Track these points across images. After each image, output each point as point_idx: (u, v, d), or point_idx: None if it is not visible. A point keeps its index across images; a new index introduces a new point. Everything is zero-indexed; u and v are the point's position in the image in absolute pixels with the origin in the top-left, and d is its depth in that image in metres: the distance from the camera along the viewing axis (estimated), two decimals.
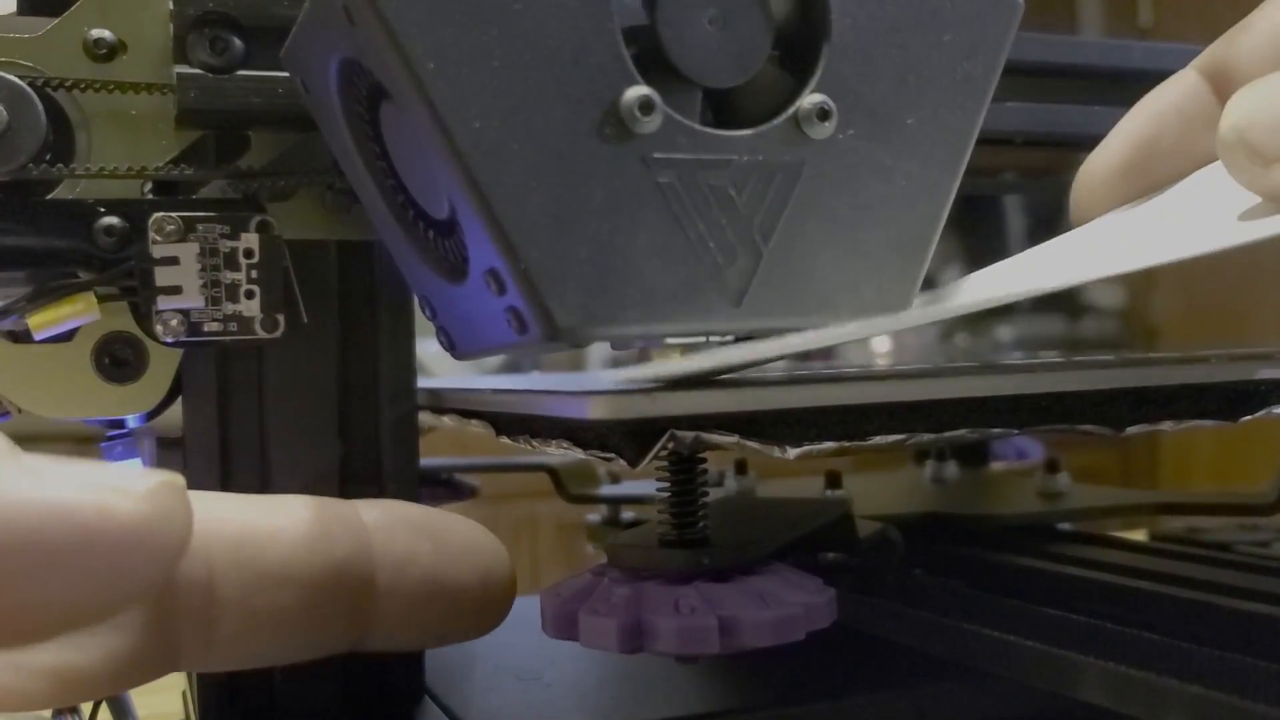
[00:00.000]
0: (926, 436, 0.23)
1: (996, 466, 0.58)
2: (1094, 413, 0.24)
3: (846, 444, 0.22)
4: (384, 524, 0.24)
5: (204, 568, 0.22)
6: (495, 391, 0.28)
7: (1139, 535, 0.46)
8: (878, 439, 0.23)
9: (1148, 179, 0.27)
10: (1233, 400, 0.25)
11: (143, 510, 0.16)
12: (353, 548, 0.23)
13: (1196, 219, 0.24)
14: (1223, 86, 0.27)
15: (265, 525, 0.23)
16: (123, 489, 0.16)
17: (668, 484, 0.26)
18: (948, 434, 0.23)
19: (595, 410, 0.21)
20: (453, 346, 0.26)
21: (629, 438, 0.21)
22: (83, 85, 0.26)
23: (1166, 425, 0.24)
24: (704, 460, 0.26)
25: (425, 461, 0.31)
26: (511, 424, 0.26)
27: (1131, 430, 0.24)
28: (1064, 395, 0.24)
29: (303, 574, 0.23)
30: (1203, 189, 0.25)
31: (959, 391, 0.23)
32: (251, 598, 0.22)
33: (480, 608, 0.25)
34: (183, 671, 0.23)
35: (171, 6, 0.26)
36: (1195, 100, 0.27)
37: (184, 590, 0.21)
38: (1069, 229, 0.28)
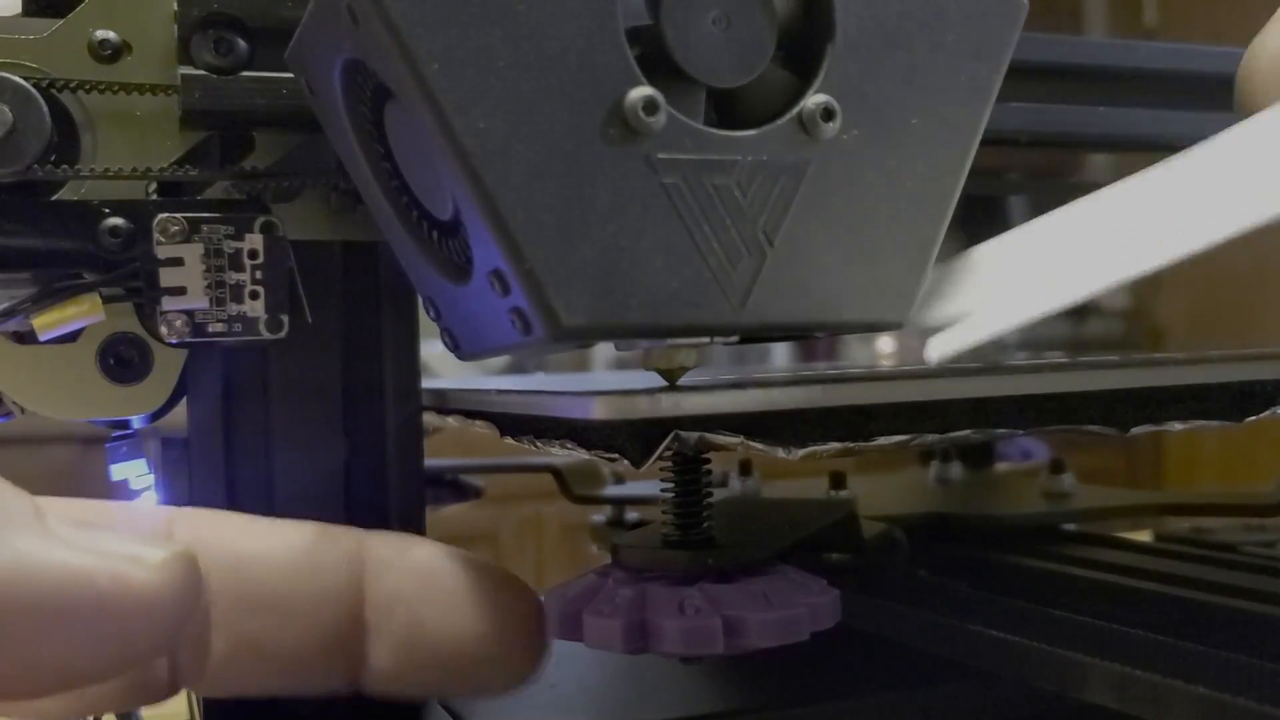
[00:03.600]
0: (932, 437, 0.23)
1: (1001, 467, 0.58)
2: (1099, 413, 0.24)
3: (851, 445, 0.22)
4: (383, 560, 0.23)
5: (203, 590, 0.21)
6: (500, 392, 0.28)
7: (1144, 536, 0.46)
8: (883, 440, 0.23)
9: None
10: (1238, 400, 0.25)
11: (155, 580, 0.17)
12: (344, 581, 0.23)
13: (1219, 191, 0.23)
14: None
15: (258, 549, 0.22)
16: (137, 558, 0.17)
17: (672, 484, 0.26)
18: (953, 434, 0.23)
19: (600, 410, 0.21)
20: (457, 347, 0.26)
21: (634, 438, 0.21)
22: (87, 86, 0.26)
23: (1172, 426, 0.24)
24: (708, 461, 0.26)
25: (430, 462, 0.31)
26: (516, 424, 0.26)
27: (1136, 431, 0.24)
28: (1069, 396, 0.24)
29: (289, 601, 0.22)
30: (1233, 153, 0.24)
31: (964, 392, 0.23)
32: (241, 621, 0.22)
33: (488, 661, 0.23)
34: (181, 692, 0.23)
35: (176, 7, 0.26)
36: None
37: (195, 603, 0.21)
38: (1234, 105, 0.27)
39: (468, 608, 0.23)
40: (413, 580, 0.23)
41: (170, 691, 0.22)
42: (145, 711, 0.28)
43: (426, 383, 0.30)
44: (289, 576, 0.22)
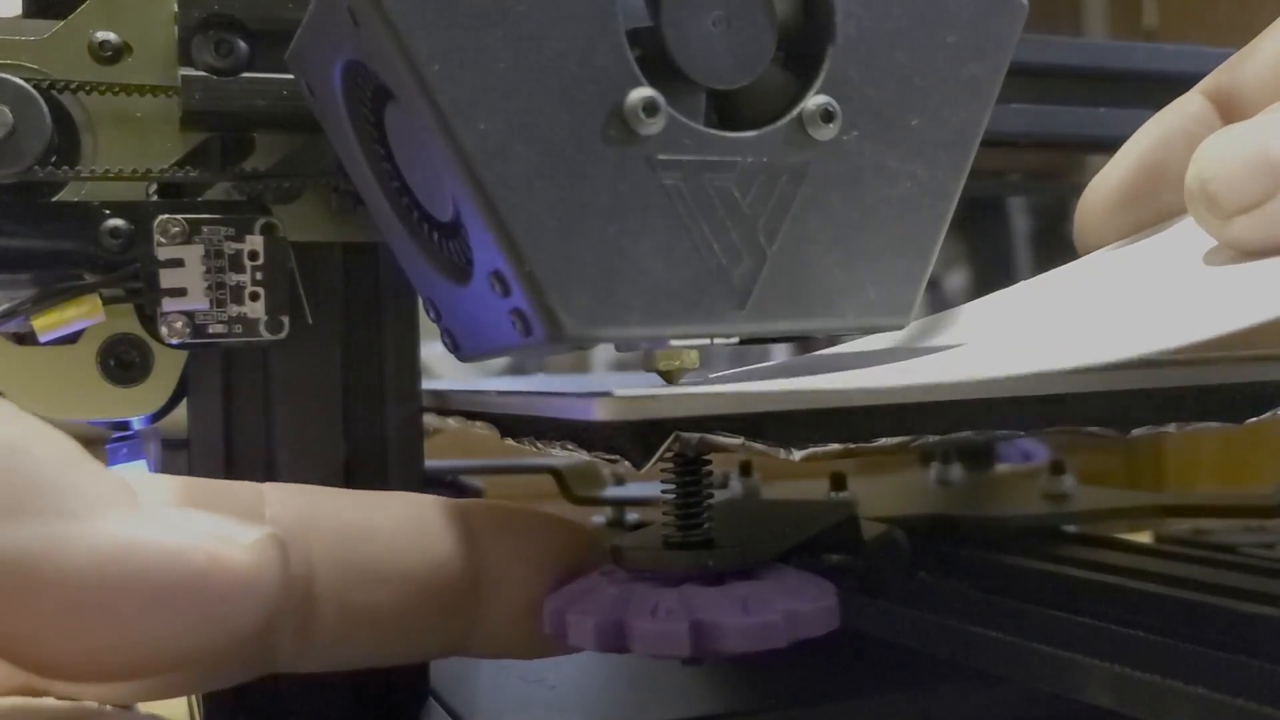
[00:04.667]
0: (932, 438, 0.23)
1: (1001, 469, 0.58)
2: (1100, 414, 0.24)
3: (852, 446, 0.22)
4: (487, 527, 0.24)
5: (304, 564, 0.22)
6: (500, 393, 0.28)
7: (1143, 537, 0.46)
8: (884, 441, 0.22)
9: (1154, 204, 0.27)
10: (1239, 402, 0.24)
11: (248, 559, 0.17)
12: (456, 549, 0.23)
13: (1191, 284, 0.24)
14: (1228, 110, 0.27)
15: (364, 522, 0.23)
16: (231, 539, 0.17)
17: (672, 486, 0.26)
18: (953, 435, 0.23)
19: (601, 412, 0.21)
20: (457, 348, 0.26)
21: (635, 439, 0.21)
22: (88, 87, 0.26)
23: (1172, 427, 0.24)
24: (709, 462, 0.26)
25: (430, 463, 0.31)
26: (516, 426, 0.26)
27: (1138, 432, 0.24)
28: (1070, 396, 0.24)
29: (400, 572, 0.23)
30: (1197, 235, 0.25)
31: (965, 393, 0.23)
32: (349, 594, 0.22)
33: None
34: (280, 672, 0.23)
35: (176, 9, 0.26)
36: (1202, 124, 0.27)
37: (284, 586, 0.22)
38: (1072, 238, 0.28)
39: (565, 570, 0.24)
40: (523, 545, 0.24)
41: (272, 668, 0.23)
42: (147, 708, 0.28)
43: (426, 384, 0.30)
44: (402, 547, 0.23)
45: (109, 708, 0.21)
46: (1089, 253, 0.28)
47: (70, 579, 0.15)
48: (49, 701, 0.20)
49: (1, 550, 0.15)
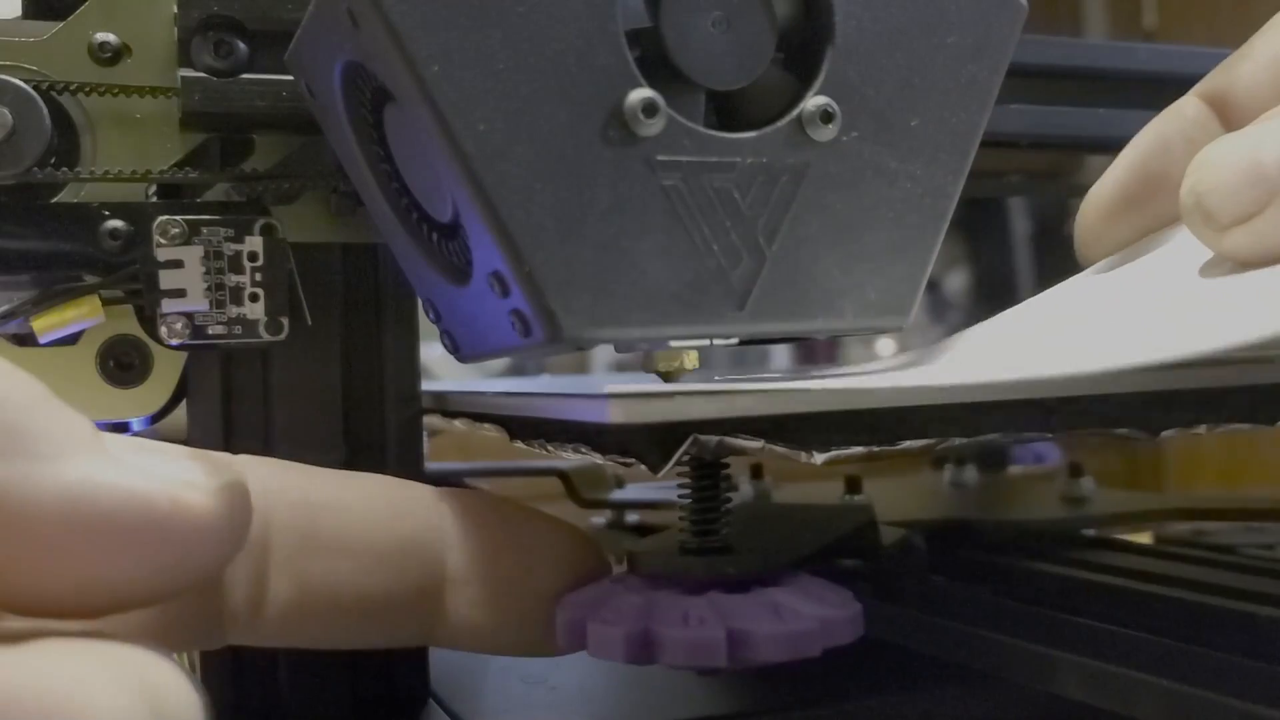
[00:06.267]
0: (958, 440, 0.23)
1: (1015, 471, 0.57)
2: (1127, 416, 0.24)
3: (875, 449, 0.22)
4: (461, 513, 0.24)
5: (261, 529, 0.22)
6: (508, 394, 0.28)
7: (1141, 538, 0.46)
8: (908, 443, 0.22)
9: (1153, 210, 0.27)
10: (1271, 402, 0.24)
11: (211, 505, 0.17)
12: (427, 532, 0.23)
13: (1188, 295, 0.24)
14: (1225, 114, 0.27)
15: (330, 496, 0.23)
16: (195, 484, 0.17)
17: (689, 490, 0.25)
18: (979, 438, 0.23)
19: (616, 414, 0.21)
20: (457, 349, 0.26)
21: (651, 442, 0.21)
22: (87, 89, 0.26)
23: (1202, 429, 0.24)
24: (726, 465, 0.25)
25: (433, 466, 0.30)
26: (525, 428, 0.26)
27: (1166, 434, 0.24)
28: (1097, 398, 0.24)
29: (370, 549, 0.23)
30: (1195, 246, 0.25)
31: (991, 395, 0.23)
32: (307, 566, 0.22)
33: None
34: (233, 643, 0.23)
35: (176, 10, 0.26)
36: (1199, 128, 0.27)
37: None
38: (1073, 238, 0.28)
39: (547, 564, 0.24)
40: (499, 534, 0.24)
41: (221, 638, 0.23)
42: None
43: (427, 385, 0.30)
44: (369, 524, 0.23)
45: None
46: (1091, 263, 0.28)
47: (35, 517, 0.16)
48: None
49: None
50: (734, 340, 0.23)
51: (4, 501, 0.15)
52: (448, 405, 0.30)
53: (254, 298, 0.26)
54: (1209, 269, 0.23)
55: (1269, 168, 0.21)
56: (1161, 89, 0.31)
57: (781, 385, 0.21)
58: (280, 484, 0.23)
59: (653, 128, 0.21)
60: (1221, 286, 0.23)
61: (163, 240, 0.25)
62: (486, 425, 0.28)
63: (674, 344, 0.23)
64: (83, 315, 0.26)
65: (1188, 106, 0.27)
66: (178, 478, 0.17)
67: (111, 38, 0.26)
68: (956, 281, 0.68)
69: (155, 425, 0.29)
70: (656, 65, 0.21)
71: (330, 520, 0.23)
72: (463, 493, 0.25)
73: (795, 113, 0.22)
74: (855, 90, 0.22)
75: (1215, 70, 0.27)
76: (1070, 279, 0.28)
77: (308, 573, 0.22)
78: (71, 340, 0.27)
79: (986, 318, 0.28)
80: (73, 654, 0.15)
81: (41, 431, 0.16)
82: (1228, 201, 0.22)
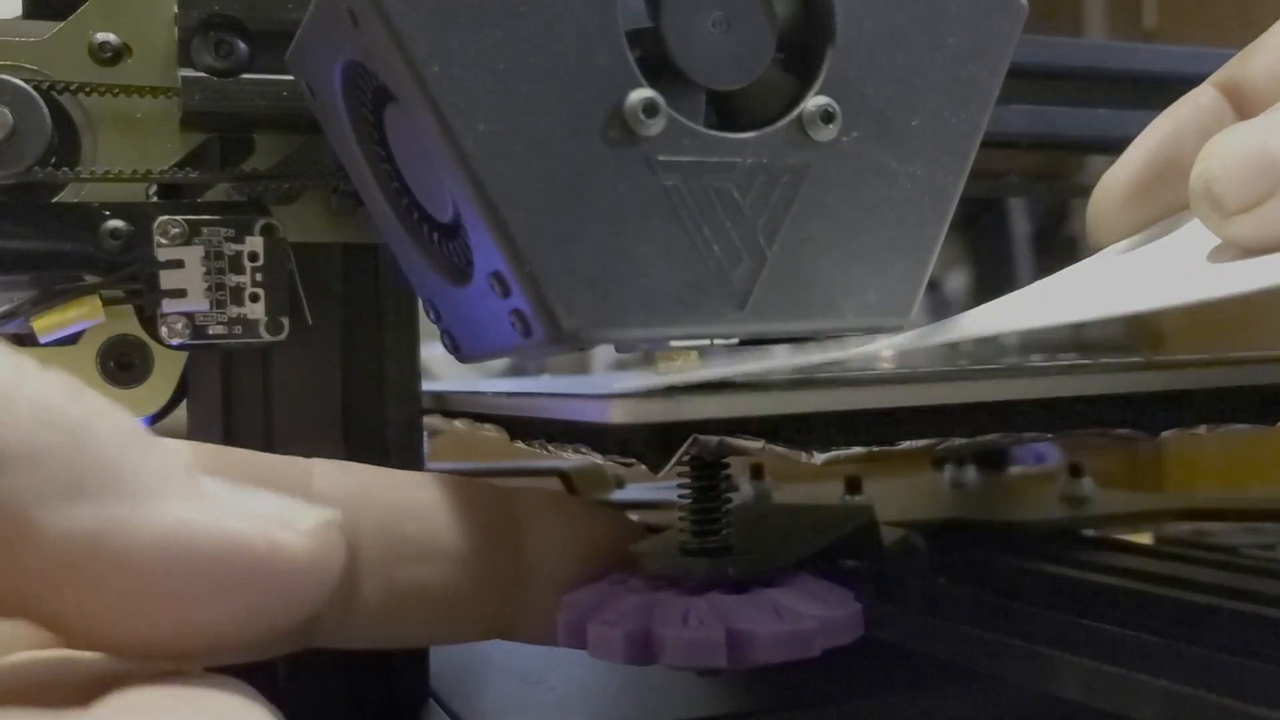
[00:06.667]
0: (959, 441, 0.23)
1: (1014, 471, 0.57)
2: (1128, 416, 0.24)
3: (875, 449, 0.22)
4: (531, 511, 0.25)
5: (350, 535, 0.22)
6: (508, 395, 0.28)
7: (1140, 539, 0.45)
8: (908, 443, 0.22)
9: (1166, 197, 0.27)
10: (1271, 402, 0.24)
11: (307, 546, 0.17)
12: (498, 528, 0.24)
13: (1197, 261, 0.24)
14: (1239, 103, 0.27)
15: (413, 499, 0.23)
16: (289, 524, 0.17)
17: (689, 490, 0.25)
18: (980, 438, 0.23)
19: (617, 414, 0.21)
20: (457, 349, 0.26)
21: (652, 442, 0.21)
22: (88, 89, 0.26)
23: (1202, 429, 0.24)
24: (727, 465, 0.25)
25: (433, 466, 0.30)
26: (526, 428, 0.26)
27: (1166, 434, 0.24)
28: (1097, 398, 0.24)
29: (444, 550, 0.23)
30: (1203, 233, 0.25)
31: (992, 395, 0.23)
32: (394, 571, 0.23)
33: None
34: (320, 645, 0.23)
35: (176, 10, 0.26)
36: (1214, 116, 0.27)
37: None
38: (1073, 233, 0.28)
39: (615, 557, 0.25)
40: (568, 529, 0.25)
41: (308, 643, 0.23)
42: None
43: (427, 385, 0.30)
44: (451, 526, 0.24)
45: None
46: (1101, 248, 0.28)
47: (132, 562, 0.15)
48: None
49: (66, 531, 0.15)
50: (734, 340, 0.23)
51: (103, 545, 0.15)
52: (448, 405, 0.30)
53: (254, 298, 0.26)
54: (1216, 255, 0.23)
55: (1277, 156, 0.22)
56: (1161, 89, 0.31)
57: (786, 361, 0.21)
58: (365, 489, 0.23)
59: (653, 128, 0.21)
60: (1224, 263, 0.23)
61: (163, 240, 0.25)
62: (487, 425, 0.28)
63: (674, 344, 0.23)
64: (83, 315, 0.26)
65: (1202, 95, 0.27)
66: (273, 518, 0.17)
67: (112, 38, 0.26)
68: (956, 281, 0.68)
69: (155, 425, 0.29)
70: (657, 65, 0.21)
71: (415, 524, 0.23)
72: (532, 490, 0.25)
73: (795, 113, 0.22)
74: (855, 90, 0.22)
75: (1231, 60, 0.27)
76: (1077, 264, 0.28)
77: (395, 576, 0.23)
78: (72, 340, 0.27)
79: None
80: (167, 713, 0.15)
81: (136, 470, 0.16)
82: (1235, 188, 0.22)
